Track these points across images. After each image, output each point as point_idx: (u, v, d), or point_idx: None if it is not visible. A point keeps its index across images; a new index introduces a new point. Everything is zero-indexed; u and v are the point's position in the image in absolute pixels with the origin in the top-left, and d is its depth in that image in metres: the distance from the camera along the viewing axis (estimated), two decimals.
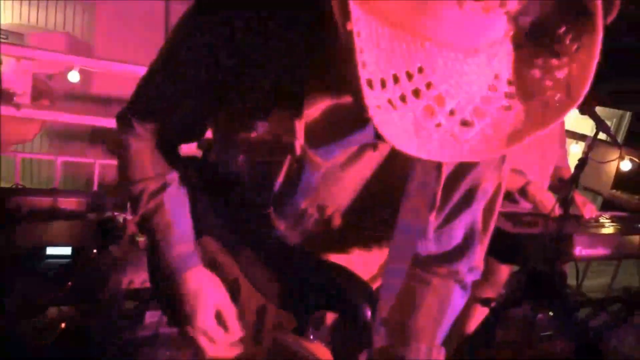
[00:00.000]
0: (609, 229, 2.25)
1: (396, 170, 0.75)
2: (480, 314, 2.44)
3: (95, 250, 2.02)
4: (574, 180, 1.90)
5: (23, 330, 1.93)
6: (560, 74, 0.51)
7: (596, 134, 1.99)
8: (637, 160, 3.41)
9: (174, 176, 0.89)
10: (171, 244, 0.85)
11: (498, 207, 0.88)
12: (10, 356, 1.88)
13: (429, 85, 0.49)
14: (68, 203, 2.38)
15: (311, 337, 0.85)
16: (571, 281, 2.72)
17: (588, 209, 2.31)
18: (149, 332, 2.15)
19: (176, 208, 0.87)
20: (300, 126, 0.72)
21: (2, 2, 4.75)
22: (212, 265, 0.91)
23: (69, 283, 1.97)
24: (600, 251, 2.07)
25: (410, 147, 0.49)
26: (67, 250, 1.96)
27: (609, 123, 2.10)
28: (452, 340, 2.65)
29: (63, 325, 2.01)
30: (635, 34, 3.79)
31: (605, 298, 2.77)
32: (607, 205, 3.61)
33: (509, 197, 2.39)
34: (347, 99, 0.70)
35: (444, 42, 0.48)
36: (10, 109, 2.57)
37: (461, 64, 0.49)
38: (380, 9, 0.47)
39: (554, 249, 1.86)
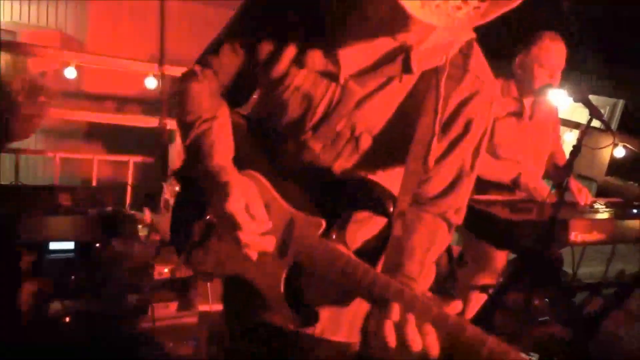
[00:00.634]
0: (603, 214, 2.28)
1: (416, 99, 0.96)
2: (478, 300, 2.48)
3: (98, 245, 2.03)
4: (569, 166, 1.93)
5: (29, 323, 1.96)
6: None
7: (590, 120, 2.02)
8: (630, 147, 3.45)
9: (223, 111, 1.09)
10: (212, 156, 1.01)
11: (483, 150, 1.05)
12: (16, 349, 1.91)
13: None
14: (69, 199, 2.40)
15: (334, 236, 0.96)
16: (567, 267, 2.76)
17: (583, 195, 2.35)
18: (152, 325, 2.17)
19: (220, 133, 1.05)
20: (343, 59, 0.95)
21: None
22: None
23: (72, 277, 1.99)
24: (595, 236, 2.10)
25: (417, 13, 0.72)
26: (69, 245, 1.97)
27: (602, 111, 2.13)
28: None
29: (67, 319, 2.04)
30: None
31: (600, 283, 2.81)
32: (601, 192, 3.65)
33: (505, 186, 2.43)
34: (379, 40, 0.93)
35: None
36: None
37: None
38: None
39: (549, 235, 1.89)
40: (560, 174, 1.98)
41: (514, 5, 0.74)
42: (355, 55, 0.96)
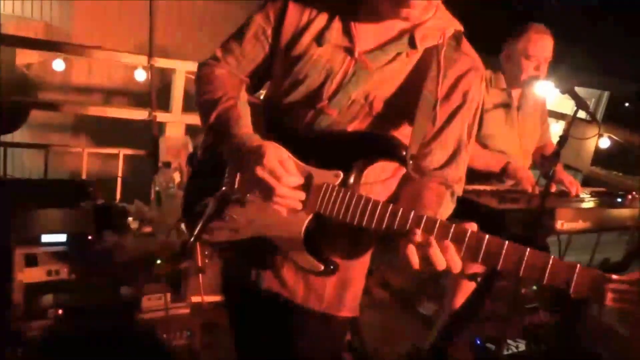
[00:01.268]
0: (589, 203, 2.33)
1: (420, 70, 1.11)
2: (468, 288, 2.52)
3: (90, 237, 2.03)
4: (556, 155, 1.97)
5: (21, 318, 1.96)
6: None
7: (576, 111, 2.05)
8: (615, 137, 3.51)
9: (243, 94, 1.20)
10: (241, 126, 1.10)
11: (476, 122, 1.20)
12: (9, 343, 1.91)
13: None
14: (59, 192, 2.39)
15: (351, 182, 1.06)
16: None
17: (574, 186, 2.40)
18: (146, 316, 2.18)
19: (244, 110, 1.16)
20: (357, 37, 1.12)
21: None
22: None
23: (65, 269, 2.00)
24: (581, 225, 2.15)
25: None
26: (62, 238, 1.97)
27: (588, 103, 2.17)
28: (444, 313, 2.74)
29: (60, 311, 2.04)
30: None
31: None
32: (587, 182, 3.72)
33: (494, 176, 2.47)
34: (387, 22, 1.11)
35: None
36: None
37: None
38: None
39: (537, 223, 1.93)
40: (547, 163, 2.01)
41: None
42: (367, 35, 1.13)
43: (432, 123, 1.13)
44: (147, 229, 2.35)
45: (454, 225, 0.90)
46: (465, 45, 1.16)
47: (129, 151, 3.67)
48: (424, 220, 0.92)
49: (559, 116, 3.73)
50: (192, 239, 1.21)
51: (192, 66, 3.47)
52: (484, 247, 0.87)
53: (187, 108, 3.64)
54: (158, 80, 3.81)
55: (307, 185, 1.06)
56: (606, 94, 6.04)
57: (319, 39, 1.14)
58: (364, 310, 3.36)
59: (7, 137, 3.65)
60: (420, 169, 1.17)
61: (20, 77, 3.41)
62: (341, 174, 1.05)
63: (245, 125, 1.11)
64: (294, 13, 1.17)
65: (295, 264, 1.10)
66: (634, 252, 2.48)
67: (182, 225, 1.40)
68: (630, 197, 2.42)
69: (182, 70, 3.46)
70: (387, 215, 0.96)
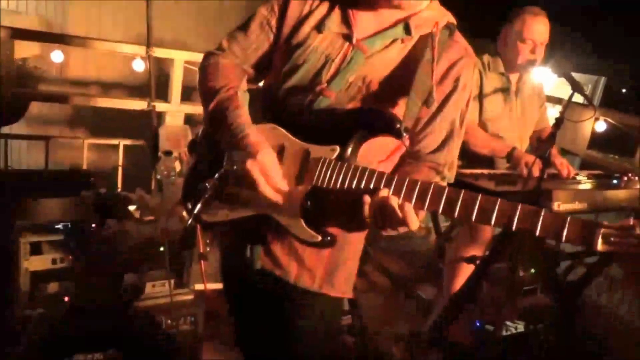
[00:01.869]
0: (585, 185, 2.36)
1: (415, 56, 1.17)
2: (466, 271, 2.56)
3: (93, 226, 2.06)
4: (552, 137, 1.99)
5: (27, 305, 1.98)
6: None
7: (572, 94, 2.08)
8: (611, 120, 3.54)
9: (244, 85, 1.25)
10: (240, 115, 1.15)
11: (469, 109, 1.24)
12: (13, 332, 1.94)
13: None
14: (62, 182, 2.41)
15: (348, 155, 1.09)
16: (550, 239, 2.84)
17: (565, 168, 2.42)
18: (149, 303, 2.21)
19: (242, 99, 1.21)
20: (355, 25, 1.18)
21: None
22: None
23: (70, 257, 2.02)
24: (577, 206, 2.17)
25: None
26: (65, 226, 1.99)
27: (585, 88, 2.19)
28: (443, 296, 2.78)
29: (66, 299, 2.07)
30: None
31: (582, 252, 2.90)
32: (584, 165, 3.75)
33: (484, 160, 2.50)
34: (383, 11, 1.17)
35: None
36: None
37: None
38: None
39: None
40: (543, 146, 2.04)
41: None
42: (365, 23, 1.19)
43: (427, 106, 1.17)
44: (150, 217, 2.37)
45: (420, 184, 0.98)
46: (458, 35, 1.22)
47: (128, 141, 3.68)
48: (393, 181, 1.00)
49: (556, 101, 3.75)
50: (191, 220, 1.24)
51: (190, 56, 3.47)
52: (477, 204, 0.93)
53: (185, 98, 3.65)
54: (156, 70, 3.81)
55: (304, 161, 1.11)
56: (603, 79, 6.05)
57: (319, 27, 1.20)
58: (364, 294, 3.42)
59: (6, 130, 3.66)
60: (413, 153, 1.22)
61: (19, 69, 3.42)
62: (338, 148, 1.09)
63: (242, 115, 1.16)
64: (296, 4, 1.23)
65: (294, 237, 1.13)
66: None
67: (182, 210, 1.43)
68: (626, 178, 2.45)
69: (181, 60, 3.46)
70: (374, 183, 1.02)
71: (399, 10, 1.17)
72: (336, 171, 1.07)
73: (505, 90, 2.53)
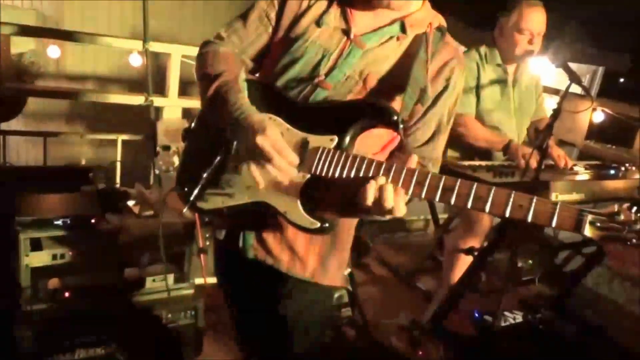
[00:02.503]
0: (583, 175, 2.37)
1: (410, 54, 1.21)
2: (464, 262, 2.58)
3: (93, 220, 2.06)
4: (549, 128, 2.00)
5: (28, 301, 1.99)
6: None
7: (569, 85, 2.08)
8: (608, 111, 3.54)
9: (243, 74, 1.25)
10: (242, 97, 1.17)
11: (457, 105, 1.28)
12: (15, 328, 1.95)
13: None
14: (60, 178, 2.42)
15: (346, 144, 1.11)
16: (548, 229, 2.86)
17: (562, 159, 2.43)
18: (150, 297, 2.22)
19: (242, 84, 1.22)
20: (353, 20, 1.22)
21: None
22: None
23: (70, 253, 2.03)
24: (575, 196, 2.18)
25: None
26: (65, 222, 2.00)
27: (582, 79, 2.19)
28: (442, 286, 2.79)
29: (67, 294, 2.07)
30: None
31: (580, 242, 2.91)
32: (582, 156, 3.75)
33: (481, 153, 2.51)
34: (380, 11, 1.21)
35: None
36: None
37: None
38: None
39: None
40: (540, 136, 2.04)
41: None
42: (363, 21, 1.23)
43: (421, 102, 1.21)
44: (149, 212, 2.37)
45: (407, 169, 1.02)
46: (449, 37, 1.26)
47: (126, 136, 3.68)
48: (382, 166, 1.04)
49: (552, 91, 3.75)
50: (186, 207, 1.25)
51: (187, 50, 3.46)
52: (473, 192, 0.96)
53: (183, 92, 3.64)
54: (154, 65, 3.80)
55: (303, 150, 1.12)
56: (600, 69, 6.04)
57: (319, 21, 1.23)
58: (364, 285, 3.44)
59: (4, 126, 3.66)
60: (401, 147, 1.26)
61: (16, 65, 3.41)
62: (336, 138, 1.11)
63: (245, 97, 1.17)
64: (294, 0, 1.26)
65: (292, 223, 1.14)
66: None
67: (176, 198, 1.43)
68: (624, 169, 2.46)
69: (178, 54, 3.45)
70: (373, 167, 1.05)
71: (394, 10, 1.21)
72: (335, 160, 1.09)
73: (502, 82, 2.53)
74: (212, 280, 2.43)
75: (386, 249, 3.95)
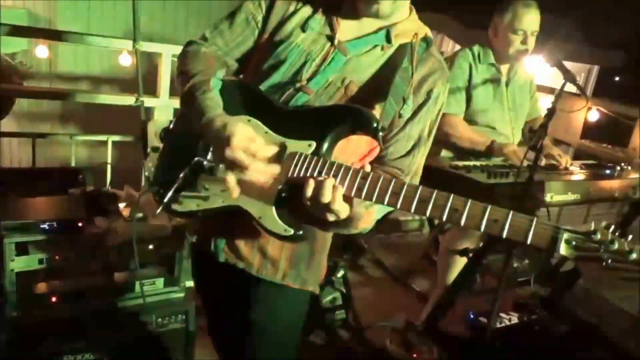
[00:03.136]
0: (578, 175, 2.35)
1: (393, 64, 1.20)
2: (459, 264, 2.55)
3: (81, 224, 2.02)
4: (544, 128, 1.97)
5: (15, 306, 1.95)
6: None
7: (564, 84, 2.05)
8: (603, 110, 3.53)
9: (222, 73, 1.25)
10: (209, 97, 1.15)
11: (439, 119, 1.28)
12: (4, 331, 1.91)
13: None
14: (49, 180, 2.37)
15: (324, 151, 1.10)
16: None
17: (562, 159, 2.41)
18: (140, 301, 2.19)
19: (215, 88, 1.19)
20: (338, 27, 1.22)
21: None
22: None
23: (57, 257, 1.99)
24: (570, 197, 2.16)
25: None
26: (52, 225, 1.95)
27: (577, 78, 2.17)
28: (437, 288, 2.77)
29: (54, 299, 2.04)
30: None
31: None
32: (577, 155, 3.74)
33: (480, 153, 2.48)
34: (366, 19, 1.22)
35: None
36: None
37: None
38: None
39: (525, 196, 1.94)
40: (535, 136, 2.02)
41: None
42: (348, 28, 1.23)
43: (401, 113, 1.20)
44: (138, 214, 2.33)
45: (353, 168, 1.02)
46: (434, 49, 1.27)
47: (117, 137, 3.64)
48: (334, 166, 1.04)
49: (547, 90, 3.74)
50: (160, 208, 1.23)
51: (178, 50, 3.41)
52: (449, 204, 0.94)
53: (174, 92, 3.60)
54: (145, 65, 3.76)
55: (280, 154, 1.11)
56: (595, 68, 6.04)
57: (304, 26, 1.24)
58: (359, 286, 3.42)
59: None
60: (379, 158, 1.24)
61: (5, 65, 3.36)
62: (314, 144, 1.10)
63: (213, 99, 1.16)
64: (281, 3, 1.27)
65: (265, 229, 1.13)
66: (624, 223, 2.51)
67: (149, 200, 1.41)
68: (619, 168, 2.44)
69: (169, 54, 3.41)
70: (350, 174, 1.04)
71: (380, 19, 1.22)
72: (312, 166, 1.07)
73: (495, 81, 2.51)
74: None
75: (381, 250, 3.93)
